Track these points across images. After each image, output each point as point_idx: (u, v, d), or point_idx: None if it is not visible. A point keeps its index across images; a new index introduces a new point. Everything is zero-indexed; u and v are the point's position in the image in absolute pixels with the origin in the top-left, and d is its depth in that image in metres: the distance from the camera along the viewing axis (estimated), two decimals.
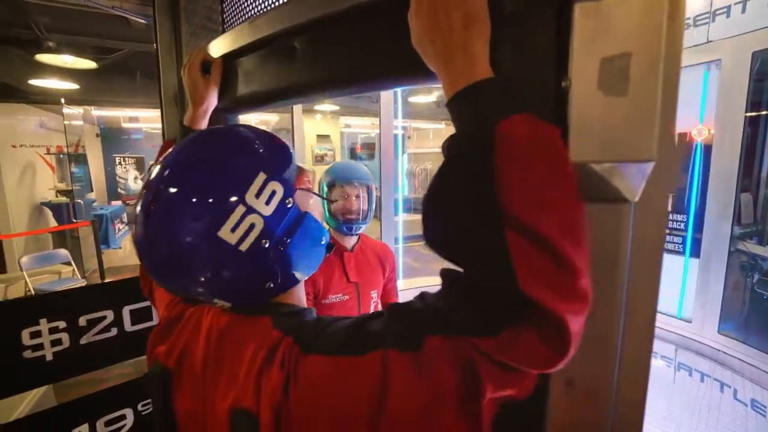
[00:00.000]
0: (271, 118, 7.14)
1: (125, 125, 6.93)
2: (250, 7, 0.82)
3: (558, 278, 0.34)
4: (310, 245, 0.54)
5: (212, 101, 0.84)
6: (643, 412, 0.45)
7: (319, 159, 7.02)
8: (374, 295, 1.36)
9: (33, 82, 4.32)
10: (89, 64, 3.97)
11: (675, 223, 2.76)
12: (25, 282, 3.52)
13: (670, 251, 2.78)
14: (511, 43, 0.41)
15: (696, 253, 2.61)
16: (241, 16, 0.85)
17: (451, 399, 0.38)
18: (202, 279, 0.47)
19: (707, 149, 2.52)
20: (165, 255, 0.46)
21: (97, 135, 6.62)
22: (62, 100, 4.93)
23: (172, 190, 0.45)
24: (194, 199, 0.44)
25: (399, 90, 3.30)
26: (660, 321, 2.67)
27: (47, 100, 5.04)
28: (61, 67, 3.93)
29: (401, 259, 3.14)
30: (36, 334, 0.86)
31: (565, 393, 0.44)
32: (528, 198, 0.35)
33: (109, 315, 0.95)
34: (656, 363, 2.62)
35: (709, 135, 2.53)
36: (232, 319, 0.51)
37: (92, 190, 5.81)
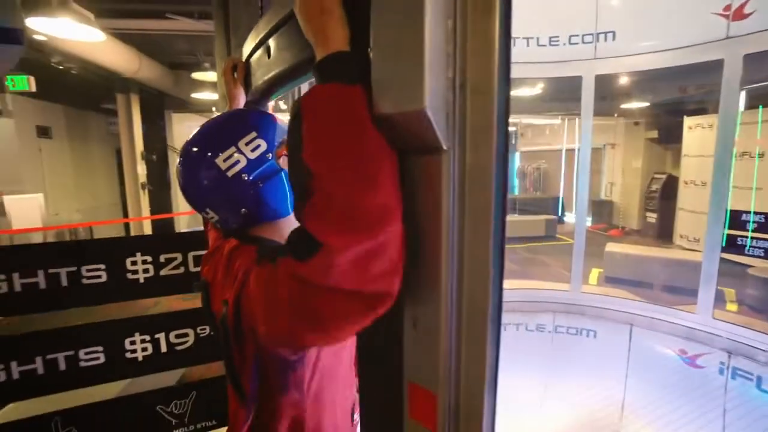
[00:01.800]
0: None
1: None
2: None
3: (328, 212, 0.43)
4: (279, 193, 0.75)
5: (241, 97, 1.08)
6: (487, 357, 0.45)
7: None
8: None
9: (194, 95, 5.58)
10: None
11: None
12: None
13: None
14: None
15: None
16: None
17: (293, 299, 0.49)
18: (206, 195, 0.73)
19: None
20: (190, 182, 0.74)
21: None
22: (213, 108, 6.24)
23: (195, 140, 0.75)
24: (206, 142, 0.74)
25: None
26: None
27: (204, 109, 6.45)
28: (208, 81, 5.02)
29: None
30: (134, 263, 1.25)
31: (412, 334, 0.50)
32: (318, 147, 0.45)
33: (179, 257, 1.31)
34: None
35: None
36: (236, 245, 0.74)
37: None
